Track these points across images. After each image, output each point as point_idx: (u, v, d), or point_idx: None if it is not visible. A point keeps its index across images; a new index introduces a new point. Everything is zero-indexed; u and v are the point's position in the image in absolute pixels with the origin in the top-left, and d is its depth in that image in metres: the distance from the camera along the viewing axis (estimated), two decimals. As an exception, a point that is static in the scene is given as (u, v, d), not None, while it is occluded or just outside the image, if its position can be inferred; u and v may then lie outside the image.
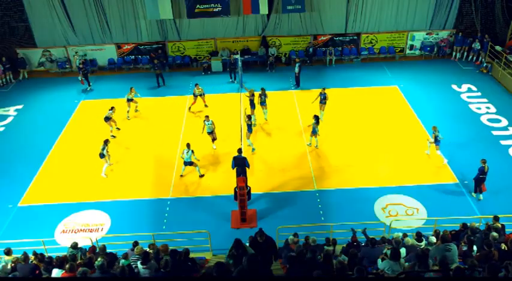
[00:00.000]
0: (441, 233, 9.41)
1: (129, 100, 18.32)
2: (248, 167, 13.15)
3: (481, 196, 13.43)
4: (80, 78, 20.79)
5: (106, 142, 15.06)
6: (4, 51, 22.46)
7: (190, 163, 14.53)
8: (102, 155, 14.97)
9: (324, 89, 17.53)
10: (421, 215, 12.90)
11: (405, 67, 22.67)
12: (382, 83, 20.95)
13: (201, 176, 14.77)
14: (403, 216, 12.89)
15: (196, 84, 18.77)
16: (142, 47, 23.16)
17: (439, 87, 20.36)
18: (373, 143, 16.42)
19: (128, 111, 18.44)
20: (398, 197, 13.69)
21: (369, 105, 19.01)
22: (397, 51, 23.76)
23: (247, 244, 10.54)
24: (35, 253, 9.98)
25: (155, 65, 21.28)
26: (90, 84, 21.11)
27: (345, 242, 10.50)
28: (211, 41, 23.29)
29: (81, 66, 20.75)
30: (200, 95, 18.81)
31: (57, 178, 15.17)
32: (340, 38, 23.49)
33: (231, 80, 21.55)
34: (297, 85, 20.83)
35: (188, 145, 14.48)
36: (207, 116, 16.08)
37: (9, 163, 16.00)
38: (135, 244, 10.15)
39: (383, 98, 19.66)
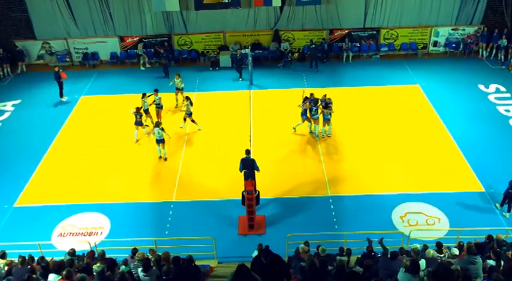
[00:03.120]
0: (465, 245, 9.32)
1: (178, 89, 19.07)
2: (258, 170, 13.15)
3: (507, 214, 13.16)
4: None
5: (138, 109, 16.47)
6: (2, 43, 22.75)
7: (163, 140, 15.59)
8: (140, 123, 16.55)
9: (325, 95, 16.77)
10: (442, 226, 12.79)
11: (428, 65, 22.49)
12: (403, 82, 20.83)
13: (164, 160, 15.88)
14: (423, 226, 12.80)
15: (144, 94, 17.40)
16: (147, 40, 23.31)
17: (464, 87, 20.18)
18: (392, 146, 16.33)
19: (177, 100, 19.28)
20: (419, 205, 13.59)
21: (388, 105, 18.92)
22: (419, 47, 23.60)
23: (254, 254, 10.54)
24: (31, 257, 10.09)
25: (161, 55, 21.63)
26: (63, 95, 20.21)
27: (360, 253, 10.45)
28: (220, 34, 23.36)
29: (57, 71, 19.85)
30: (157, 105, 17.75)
31: (56, 178, 15.34)
32: (358, 32, 23.40)
33: (240, 79, 21.56)
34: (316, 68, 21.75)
35: (158, 123, 15.57)
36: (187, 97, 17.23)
37: (6, 161, 16.21)
38: (135, 251, 10.21)
39: (403, 97, 19.54)
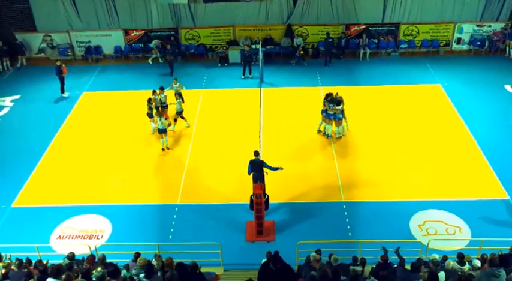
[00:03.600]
0: (488, 256, 9.25)
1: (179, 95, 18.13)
2: (272, 169, 12.98)
3: None
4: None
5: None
6: (2, 35, 22.96)
7: (165, 131, 16.22)
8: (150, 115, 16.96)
9: (336, 93, 16.73)
10: (464, 235, 12.68)
11: (451, 64, 22.34)
12: (423, 81, 20.70)
13: (166, 148, 16.52)
14: (443, 235, 12.71)
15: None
16: (152, 33, 23.43)
17: (489, 87, 19.99)
18: (411, 149, 16.23)
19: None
20: (438, 213, 13.49)
21: (407, 106, 18.82)
22: (441, 45, 23.45)
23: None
24: (28, 260, 10.20)
25: (167, 51, 21.56)
26: (64, 91, 20.47)
27: (375, 262, 10.40)
28: (230, 28, 23.42)
29: (59, 65, 20.04)
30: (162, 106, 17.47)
31: (55, 178, 15.48)
32: (377, 28, 23.32)
33: (243, 77, 21.45)
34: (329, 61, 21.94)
35: (160, 114, 16.30)
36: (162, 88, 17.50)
37: (3, 159, 16.41)
38: (137, 255, 10.27)
39: (424, 98, 19.41)
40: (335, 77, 21.22)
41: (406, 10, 22.93)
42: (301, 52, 22.48)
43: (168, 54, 21.77)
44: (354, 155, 16.17)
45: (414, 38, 23.46)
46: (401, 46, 23.38)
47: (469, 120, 17.71)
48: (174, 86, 18.21)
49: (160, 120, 16.00)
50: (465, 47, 23.47)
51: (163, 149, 16.46)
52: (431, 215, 13.42)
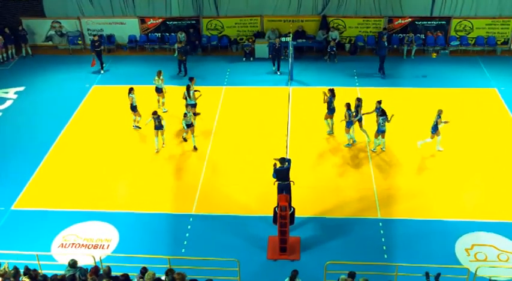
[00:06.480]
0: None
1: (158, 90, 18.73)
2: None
3: None
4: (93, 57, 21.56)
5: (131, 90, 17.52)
6: (8, 21, 23.53)
7: (191, 125, 16.65)
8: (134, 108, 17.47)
9: (379, 102, 16.52)
10: (518, 263, 12.45)
11: (509, 65, 22.05)
12: (476, 84, 20.48)
13: (194, 149, 16.86)
14: (494, 262, 12.47)
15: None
16: (171, 22, 23.73)
17: (554, 93, 19.62)
18: (459, 161, 16.03)
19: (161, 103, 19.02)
20: (489, 237, 13.26)
21: (457, 112, 18.54)
22: (499, 43, 23.14)
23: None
24: (27, 269, 10.43)
25: (178, 49, 21.34)
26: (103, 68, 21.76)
27: (414, 290, 10.33)
28: (257, 18, 23.55)
29: (95, 40, 21.37)
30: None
31: (60, 179, 15.78)
32: (424, 22, 23.15)
33: (275, 70, 21.58)
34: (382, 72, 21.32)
35: (187, 106, 16.90)
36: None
37: (4, 157, 16.83)
38: (144, 271, 10.38)
39: (476, 103, 19.17)
40: (375, 76, 21.07)
41: (458, 2, 22.68)
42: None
43: (179, 52, 21.22)
44: (393, 165, 16.04)
45: (467, 34, 23.19)
46: (452, 43, 23.14)
47: (528, 131, 17.41)
48: (156, 79, 18.37)
49: (186, 116, 16.30)
50: (527, 46, 23.16)
51: (195, 148, 16.84)
52: (481, 239, 13.21)
